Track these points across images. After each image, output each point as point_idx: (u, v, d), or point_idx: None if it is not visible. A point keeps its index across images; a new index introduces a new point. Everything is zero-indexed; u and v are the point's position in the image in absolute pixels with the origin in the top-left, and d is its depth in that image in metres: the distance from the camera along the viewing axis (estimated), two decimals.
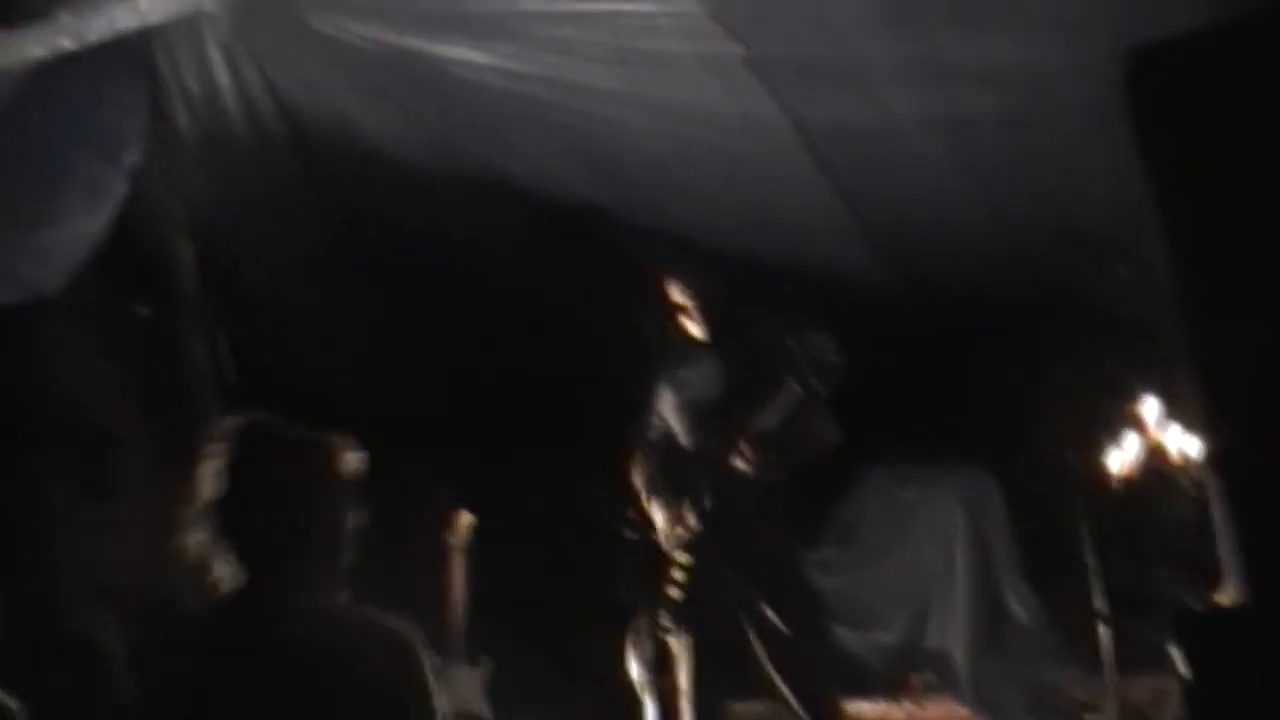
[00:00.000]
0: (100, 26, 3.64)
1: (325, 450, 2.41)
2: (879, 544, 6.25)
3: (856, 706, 5.57)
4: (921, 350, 6.47)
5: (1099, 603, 3.76)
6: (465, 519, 5.42)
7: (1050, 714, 5.49)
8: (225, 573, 2.33)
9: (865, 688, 5.79)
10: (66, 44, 3.55)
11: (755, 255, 5.87)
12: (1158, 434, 5.37)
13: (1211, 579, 4.11)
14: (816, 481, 4.64)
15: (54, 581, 4.43)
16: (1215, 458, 4.01)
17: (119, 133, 4.60)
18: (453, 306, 5.86)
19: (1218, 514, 3.96)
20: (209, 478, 2.36)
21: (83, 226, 4.68)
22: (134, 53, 4.40)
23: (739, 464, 4.11)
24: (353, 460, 2.44)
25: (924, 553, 6.13)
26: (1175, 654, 3.15)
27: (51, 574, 4.34)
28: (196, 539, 2.36)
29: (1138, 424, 5.47)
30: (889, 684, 5.93)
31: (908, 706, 5.83)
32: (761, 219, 5.99)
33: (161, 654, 2.65)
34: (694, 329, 4.36)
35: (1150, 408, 5.45)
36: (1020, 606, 5.89)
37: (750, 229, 5.95)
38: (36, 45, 3.53)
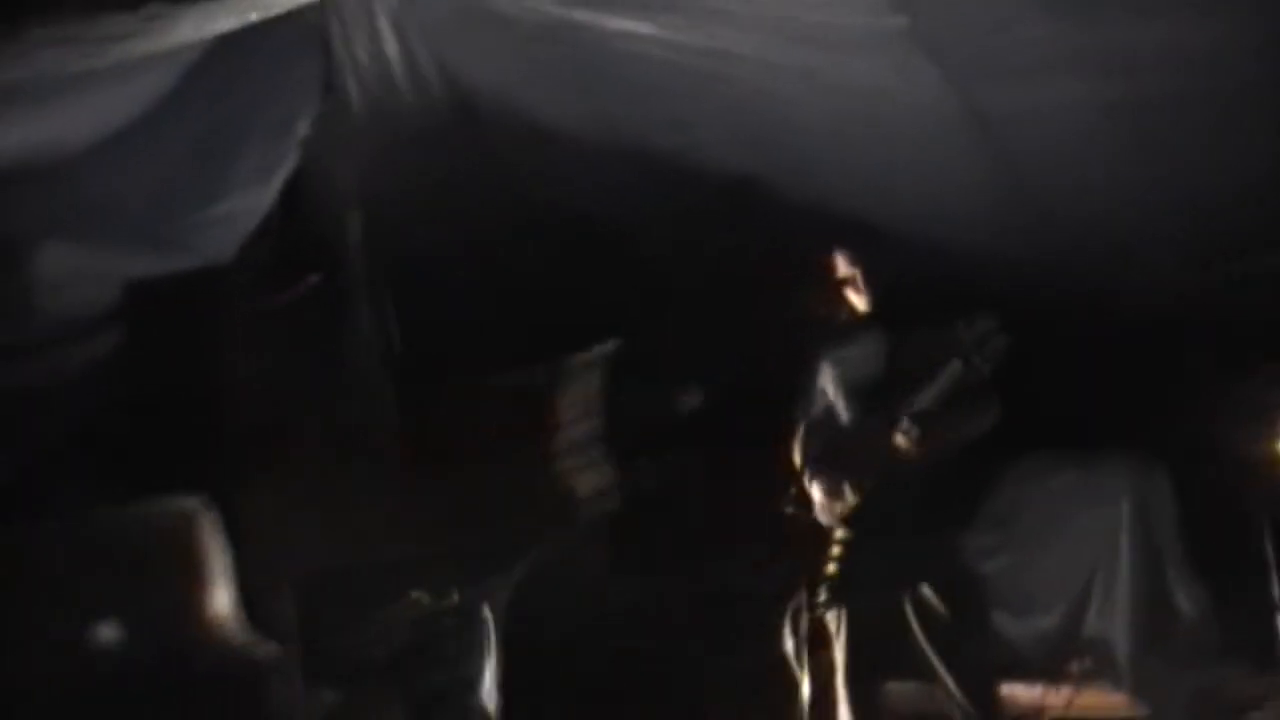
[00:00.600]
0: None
1: None
2: (1039, 529, 6.11)
3: (1012, 690, 5.50)
4: (1088, 336, 6.37)
5: (1274, 596, 3.65)
6: None
7: (1213, 708, 5.37)
8: None
9: (1022, 673, 5.71)
10: (253, 16, 3.63)
11: (920, 236, 5.82)
12: None
13: None
14: (977, 464, 4.56)
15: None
16: None
17: (292, 105, 4.71)
18: (616, 286, 5.89)
19: None
20: None
21: (254, 198, 4.82)
22: (307, 25, 4.50)
23: (901, 442, 4.07)
24: None
25: (1086, 539, 5.98)
26: None
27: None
28: None
29: None
30: (1046, 670, 5.84)
31: (1065, 692, 5.74)
32: (928, 199, 5.94)
33: None
34: (859, 304, 4.33)
35: None
36: (1187, 599, 5.73)
37: (917, 209, 5.90)
38: (224, 18, 3.61)
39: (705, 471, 5.60)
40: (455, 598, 4.77)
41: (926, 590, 4.15)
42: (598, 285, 5.73)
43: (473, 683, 4.61)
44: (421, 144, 5.26)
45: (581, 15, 4.49)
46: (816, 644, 4.21)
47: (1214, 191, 5.42)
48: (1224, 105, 4.81)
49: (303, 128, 4.63)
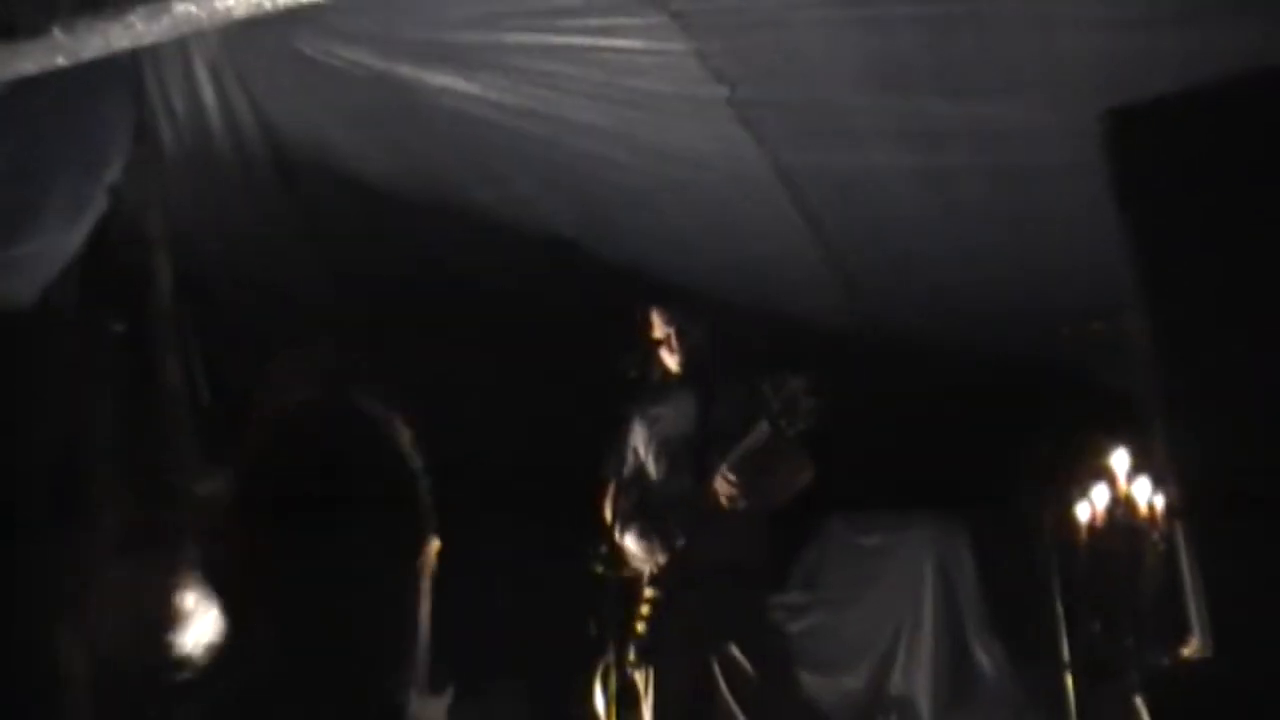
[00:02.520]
0: (95, 45, 3.62)
1: None
2: (845, 589, 6.27)
3: None
4: (893, 400, 6.51)
5: (1065, 655, 3.75)
6: (433, 546, 5.39)
7: None
8: None
9: None
10: (60, 61, 3.53)
11: (734, 298, 5.90)
12: (1127, 487, 5.40)
13: (1178, 634, 4.13)
14: (784, 525, 4.62)
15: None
16: (1183, 511, 4.04)
17: (102, 149, 4.58)
18: (433, 337, 5.85)
19: (1185, 568, 3.99)
20: None
21: (60, 241, 4.65)
22: (121, 70, 4.39)
23: (710, 502, 4.11)
24: None
25: (890, 600, 6.14)
26: (1141, 709, 3.17)
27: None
28: None
29: (1107, 477, 5.50)
30: None
31: None
32: (742, 262, 6.02)
33: None
34: (671, 364, 4.36)
35: (1120, 461, 5.48)
36: (987, 658, 5.90)
37: (730, 272, 5.97)
38: (29, 61, 3.52)
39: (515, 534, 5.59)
40: None
41: (734, 649, 4.16)
42: (411, 338, 5.69)
43: None
44: (237, 193, 5.18)
45: (404, 70, 4.46)
46: (625, 702, 4.20)
47: (1022, 263, 5.61)
48: (1031, 182, 4.97)
49: (113, 172, 4.50)
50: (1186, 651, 3.84)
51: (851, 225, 5.65)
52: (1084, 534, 5.40)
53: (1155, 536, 5.09)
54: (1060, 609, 3.88)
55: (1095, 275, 4.99)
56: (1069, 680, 3.76)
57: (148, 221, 4.83)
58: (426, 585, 4.96)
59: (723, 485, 4.10)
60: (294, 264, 5.50)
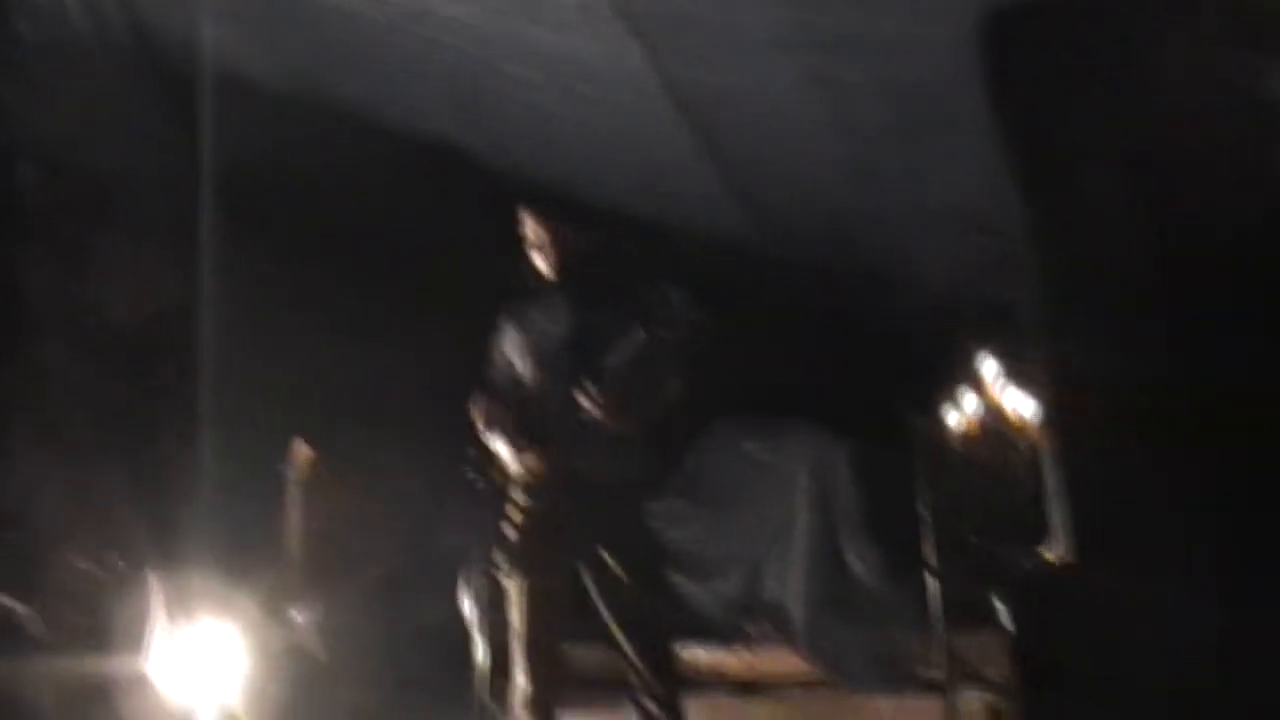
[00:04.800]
0: None
1: None
2: (721, 497, 6.28)
3: (693, 654, 5.61)
4: (777, 311, 6.54)
5: (930, 558, 3.81)
6: (304, 453, 5.33)
7: (887, 668, 5.58)
8: None
9: (703, 637, 5.83)
10: None
11: (621, 207, 5.86)
12: (996, 395, 5.47)
13: (1041, 538, 4.22)
14: (663, 433, 4.60)
15: None
16: (1050, 419, 4.11)
17: None
18: (309, 241, 5.75)
19: (1049, 474, 4.06)
20: None
21: None
22: None
23: (585, 405, 4.07)
24: None
25: (765, 507, 6.17)
26: (1002, 609, 3.23)
27: None
28: None
29: (977, 385, 5.57)
30: (726, 634, 5.99)
31: (744, 656, 5.89)
32: (631, 173, 5.98)
33: None
34: (547, 269, 4.30)
35: (989, 369, 5.54)
36: (860, 563, 5.96)
37: (618, 182, 5.93)
38: None
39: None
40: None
41: (605, 555, 4.15)
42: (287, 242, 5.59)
43: None
44: (100, 85, 5.01)
45: None
46: (494, 607, 4.19)
47: (914, 173, 5.63)
48: (918, 95, 4.97)
49: None
50: (1049, 557, 3.93)
51: (742, 139, 5.64)
52: (956, 442, 5.47)
53: (1023, 445, 5.17)
54: (929, 516, 3.93)
55: (981, 187, 5.04)
56: (936, 585, 3.80)
57: (6, 115, 4.67)
58: (298, 494, 4.92)
59: (592, 397, 4.06)
60: (161, 160, 5.33)
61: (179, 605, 4.43)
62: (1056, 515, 3.86)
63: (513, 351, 4.32)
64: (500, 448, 4.20)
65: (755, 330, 6.36)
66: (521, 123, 5.56)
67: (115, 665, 4.28)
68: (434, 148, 5.66)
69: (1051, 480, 3.99)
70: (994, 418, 5.35)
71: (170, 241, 5.38)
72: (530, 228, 4.30)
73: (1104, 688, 3.00)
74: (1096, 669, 3.01)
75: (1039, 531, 4.20)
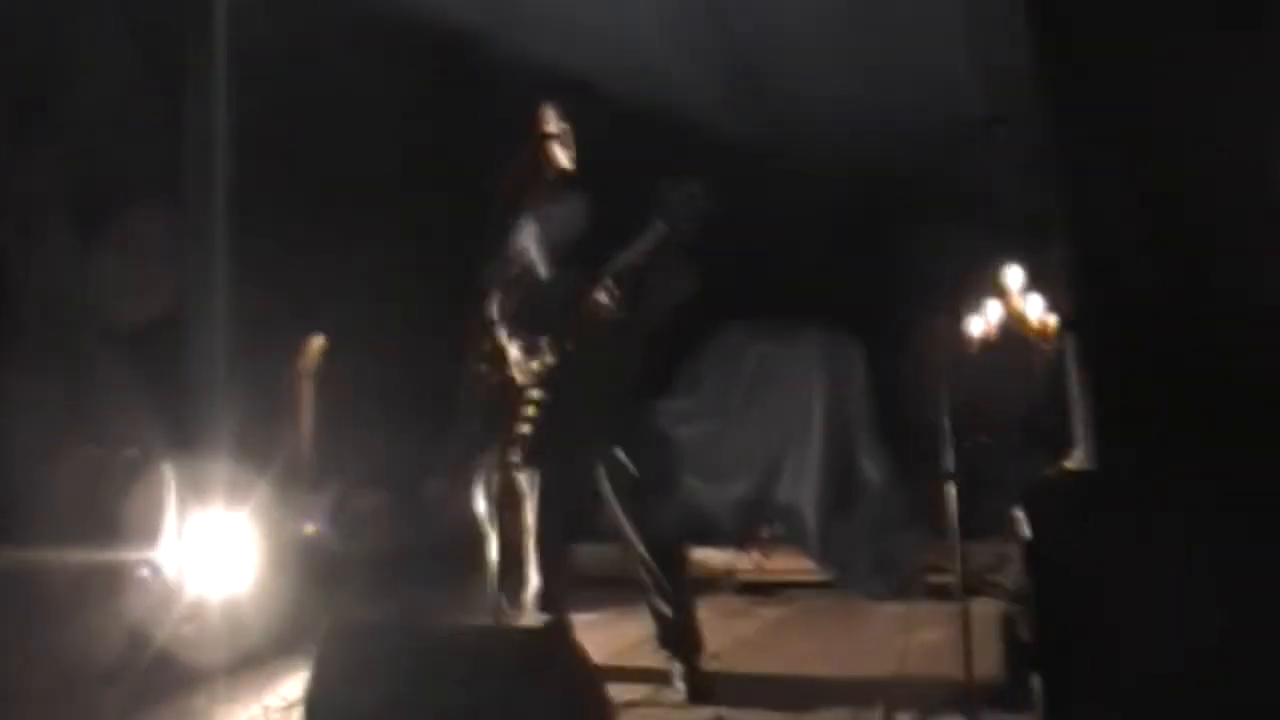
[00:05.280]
0: None
1: None
2: (735, 398, 6.26)
3: (704, 554, 5.62)
4: (798, 212, 6.46)
5: (948, 464, 3.77)
6: (316, 343, 5.30)
7: (896, 573, 5.59)
8: None
9: (714, 537, 5.84)
10: None
11: (638, 99, 5.78)
12: (1019, 302, 5.41)
13: (1060, 446, 4.17)
14: (675, 332, 4.54)
15: None
16: (1072, 326, 4.04)
17: None
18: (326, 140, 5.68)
19: (1071, 382, 4.01)
20: None
21: None
22: None
23: (599, 302, 4.00)
24: None
25: (779, 408, 6.15)
26: (1019, 517, 3.18)
27: None
28: None
29: (1001, 292, 5.51)
30: (737, 535, 6.00)
31: (754, 557, 5.90)
32: (649, 65, 5.90)
33: None
34: (564, 161, 4.21)
35: (1014, 276, 5.48)
36: (873, 467, 5.95)
37: (637, 73, 5.85)
38: None
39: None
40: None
41: (618, 453, 4.11)
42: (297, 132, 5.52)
43: None
44: None
45: None
46: (506, 504, 4.16)
47: (914, 75, 5.55)
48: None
49: None
50: (1068, 463, 3.89)
51: (762, 34, 5.56)
52: (975, 347, 5.42)
53: (1043, 350, 5.11)
54: (947, 420, 3.87)
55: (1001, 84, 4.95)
56: (952, 490, 3.76)
57: None
58: (310, 383, 4.87)
59: (605, 293, 3.99)
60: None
61: (191, 494, 4.44)
62: (1076, 421, 3.81)
63: (530, 244, 4.25)
64: (517, 342, 4.14)
65: (775, 231, 6.30)
66: (543, 12, 5.49)
67: (127, 554, 4.28)
68: (458, 42, 5.57)
69: (1072, 387, 3.93)
70: (1016, 323, 5.29)
71: (188, 137, 5.34)
72: (551, 121, 4.21)
73: (1120, 598, 2.96)
74: (1112, 578, 2.97)
75: (1057, 440, 4.16)
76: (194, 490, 4.46)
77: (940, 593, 5.09)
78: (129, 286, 5.07)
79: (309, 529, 5.08)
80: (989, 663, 3.57)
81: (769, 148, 6.51)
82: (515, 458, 4.13)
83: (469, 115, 5.58)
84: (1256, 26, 3.40)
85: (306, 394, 5.32)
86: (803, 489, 5.94)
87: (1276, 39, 3.40)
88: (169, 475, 4.42)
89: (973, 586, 4.48)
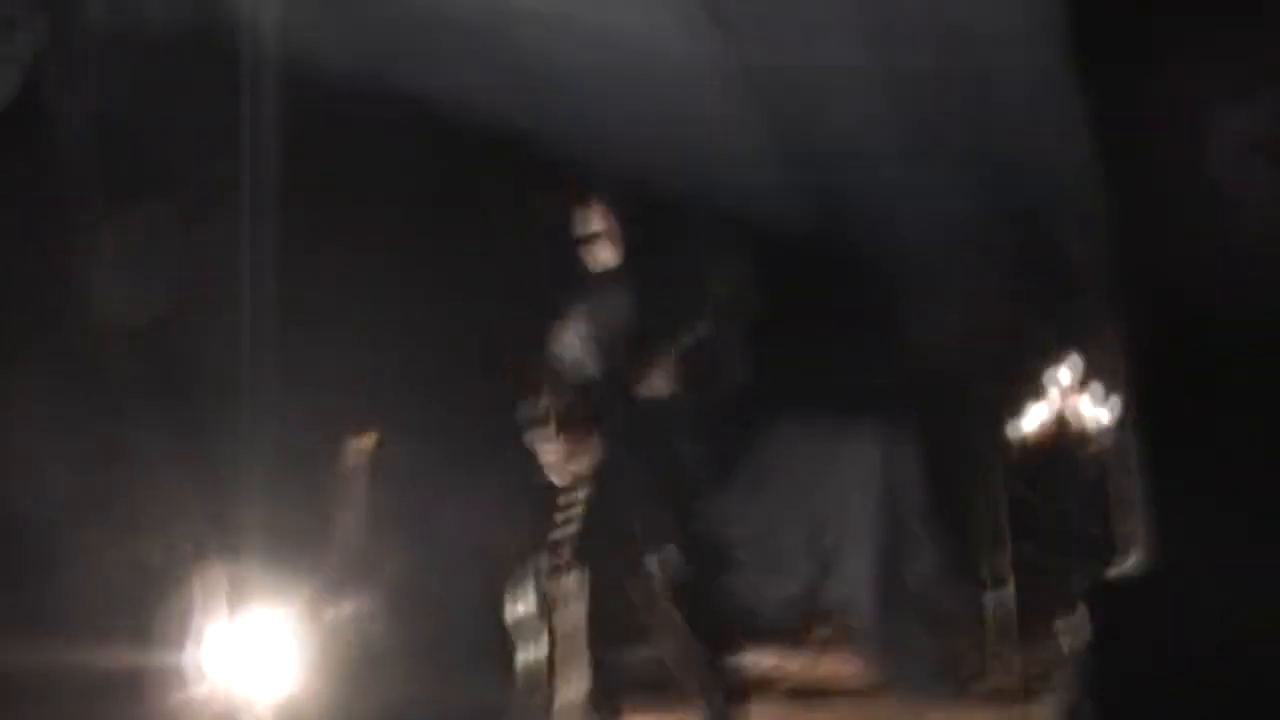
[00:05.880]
0: None
1: None
2: (787, 493, 6.18)
3: (752, 657, 5.52)
4: (845, 302, 6.41)
5: (1003, 567, 3.72)
6: (363, 441, 5.29)
7: (950, 676, 5.47)
8: None
9: (763, 638, 5.74)
10: None
11: (685, 193, 5.78)
12: (1073, 399, 5.34)
13: (1111, 551, 4.09)
14: (726, 427, 4.51)
15: None
16: (1127, 425, 3.97)
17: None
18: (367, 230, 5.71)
19: (1124, 483, 3.93)
20: None
21: None
22: None
23: (647, 395, 3.97)
24: None
25: (833, 505, 6.06)
26: (1067, 624, 3.12)
27: None
28: None
29: (1056, 387, 5.44)
30: (788, 635, 5.90)
31: (805, 658, 5.80)
32: (694, 157, 5.90)
33: None
34: (609, 257, 4.21)
35: (1066, 373, 5.41)
36: (926, 568, 5.85)
37: (682, 167, 5.86)
38: None
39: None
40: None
41: (669, 553, 4.06)
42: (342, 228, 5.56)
43: None
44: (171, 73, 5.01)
45: None
46: (554, 607, 4.11)
47: (971, 169, 5.52)
48: (985, 86, 4.87)
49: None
50: (1118, 569, 3.80)
51: (813, 127, 5.56)
52: (1029, 448, 5.34)
53: (1099, 450, 5.03)
54: (1001, 523, 3.82)
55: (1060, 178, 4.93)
56: (1008, 594, 3.70)
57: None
58: (353, 481, 4.87)
59: (659, 379, 3.97)
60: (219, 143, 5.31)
61: (233, 596, 4.42)
62: (1131, 526, 3.73)
63: (575, 343, 4.24)
64: (557, 444, 4.11)
65: (822, 324, 6.26)
66: (584, 106, 5.52)
67: (168, 657, 4.27)
68: (499, 134, 5.61)
69: (1125, 488, 3.85)
70: (1069, 424, 5.21)
71: (225, 228, 5.38)
72: (595, 218, 4.21)
73: (1178, 706, 2.88)
74: (1167, 684, 2.89)
75: (1113, 544, 4.07)
76: (235, 591, 4.44)
77: (992, 696, 4.98)
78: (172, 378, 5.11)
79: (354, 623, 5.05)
80: None
81: (818, 239, 6.49)
82: (564, 559, 4.09)
83: (513, 208, 5.61)
84: None
85: (357, 489, 5.30)
86: (856, 587, 5.85)
87: None
88: (209, 576, 4.41)
89: (1031, 689, 4.40)
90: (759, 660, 5.64)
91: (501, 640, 4.71)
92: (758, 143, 5.78)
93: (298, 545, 4.84)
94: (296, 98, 5.24)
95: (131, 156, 5.08)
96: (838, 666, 5.75)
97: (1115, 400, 4.63)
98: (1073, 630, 3.08)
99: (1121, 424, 4.17)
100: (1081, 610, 3.07)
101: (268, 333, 5.11)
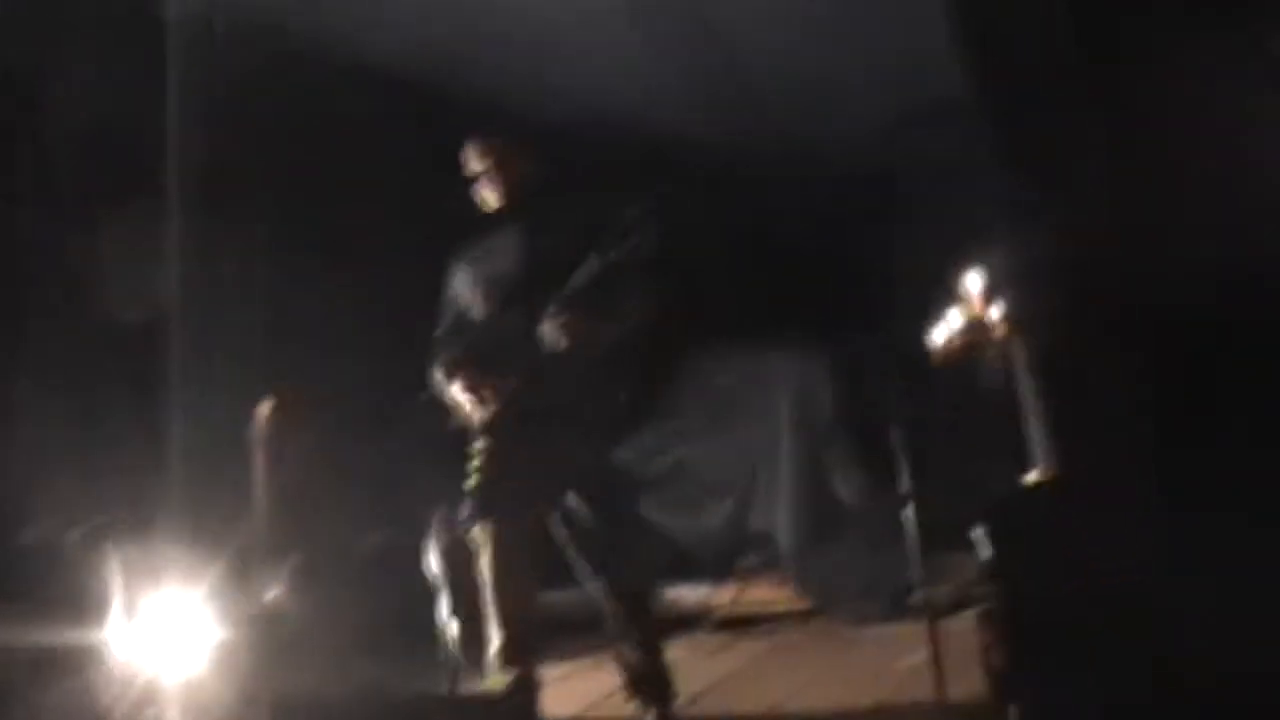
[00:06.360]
0: None
1: None
2: (703, 426, 6.15)
3: (678, 592, 5.49)
4: (750, 228, 6.36)
5: (908, 481, 3.68)
6: (268, 409, 5.17)
7: (878, 596, 5.45)
8: None
9: (689, 574, 5.72)
10: None
11: (580, 122, 5.69)
12: (981, 307, 5.29)
13: (1022, 461, 4.06)
14: (635, 363, 4.41)
15: None
16: (1032, 331, 3.94)
17: None
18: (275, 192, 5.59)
19: (1031, 390, 3.90)
20: None
21: None
22: None
23: (549, 330, 3.86)
24: None
25: (748, 434, 6.05)
26: (980, 535, 3.08)
27: None
28: None
29: (962, 297, 5.39)
30: (713, 569, 5.88)
31: (732, 590, 5.78)
32: (588, 84, 5.82)
33: None
34: (492, 198, 4.08)
35: (974, 280, 5.36)
36: (847, 488, 5.84)
37: (577, 94, 5.77)
38: None
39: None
40: None
41: (576, 497, 3.98)
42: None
43: None
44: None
45: None
46: (462, 560, 4.02)
47: (862, 71, 5.47)
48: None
49: None
50: (1029, 477, 3.77)
51: (701, 38, 5.50)
52: (938, 360, 5.29)
53: (1005, 361, 4.99)
54: (906, 437, 3.77)
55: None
56: (913, 509, 3.66)
57: None
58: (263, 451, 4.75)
59: (552, 325, 3.85)
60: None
61: (143, 573, 4.31)
62: (1037, 435, 3.70)
63: (465, 288, 4.12)
64: (461, 390, 3.99)
65: (730, 251, 6.20)
66: (475, 41, 5.44)
67: (78, 635, 4.16)
68: (394, 74, 5.51)
69: (1032, 395, 3.82)
70: (978, 333, 5.16)
71: (133, 194, 5.24)
72: (474, 157, 4.08)
73: (1088, 613, 2.84)
74: (1079, 594, 2.85)
75: (1019, 453, 4.04)
76: (146, 568, 4.34)
77: (919, 612, 4.95)
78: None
79: (269, 599, 4.95)
80: (975, 682, 3.44)
81: (719, 165, 6.41)
82: (469, 509, 3.98)
83: (408, 153, 5.51)
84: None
85: (263, 460, 5.18)
86: (776, 516, 5.84)
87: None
88: (118, 553, 4.30)
89: (959, 602, 4.37)
90: (687, 594, 5.62)
91: (425, 599, 4.66)
92: (651, 64, 5.71)
93: (211, 520, 4.75)
94: (201, 55, 5.13)
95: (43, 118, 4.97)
96: (766, 594, 5.74)
97: (1020, 307, 4.58)
98: (981, 538, 3.04)
99: (1025, 331, 4.11)
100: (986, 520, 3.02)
101: (177, 301, 5.00)
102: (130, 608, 4.26)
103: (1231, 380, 3.01)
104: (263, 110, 5.41)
